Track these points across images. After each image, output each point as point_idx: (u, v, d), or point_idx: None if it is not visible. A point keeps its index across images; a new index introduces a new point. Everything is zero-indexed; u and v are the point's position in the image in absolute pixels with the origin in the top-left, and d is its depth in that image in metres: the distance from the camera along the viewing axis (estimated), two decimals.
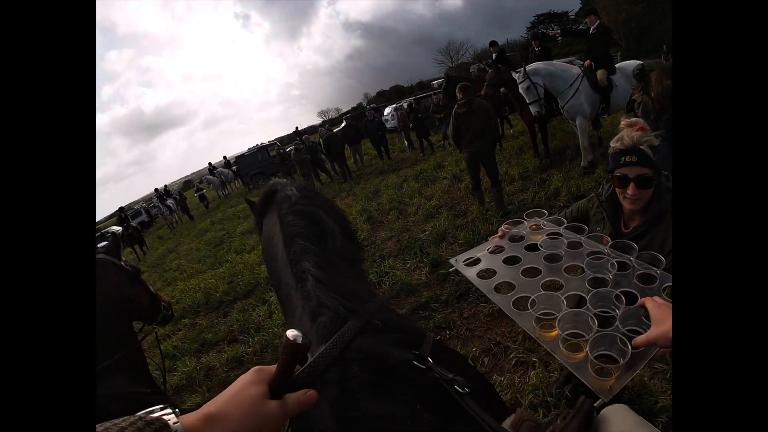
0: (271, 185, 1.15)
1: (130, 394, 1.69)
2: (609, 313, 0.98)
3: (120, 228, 16.91)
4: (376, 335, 0.78)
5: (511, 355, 2.80)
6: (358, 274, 0.99)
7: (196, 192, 16.07)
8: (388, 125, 15.79)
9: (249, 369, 0.58)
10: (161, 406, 0.50)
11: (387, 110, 19.06)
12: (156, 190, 17.40)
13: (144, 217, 21.53)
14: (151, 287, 2.16)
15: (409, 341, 0.81)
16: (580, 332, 0.94)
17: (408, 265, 4.70)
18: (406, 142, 13.18)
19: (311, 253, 0.88)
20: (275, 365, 0.58)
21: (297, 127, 26.14)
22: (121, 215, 15.44)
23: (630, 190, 1.45)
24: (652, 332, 0.81)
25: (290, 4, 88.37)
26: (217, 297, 5.97)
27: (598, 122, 7.10)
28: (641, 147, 1.42)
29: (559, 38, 7.26)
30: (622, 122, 1.52)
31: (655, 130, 1.50)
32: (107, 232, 20.51)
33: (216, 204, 18.57)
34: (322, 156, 12.02)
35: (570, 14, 44.51)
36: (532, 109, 5.85)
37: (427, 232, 5.43)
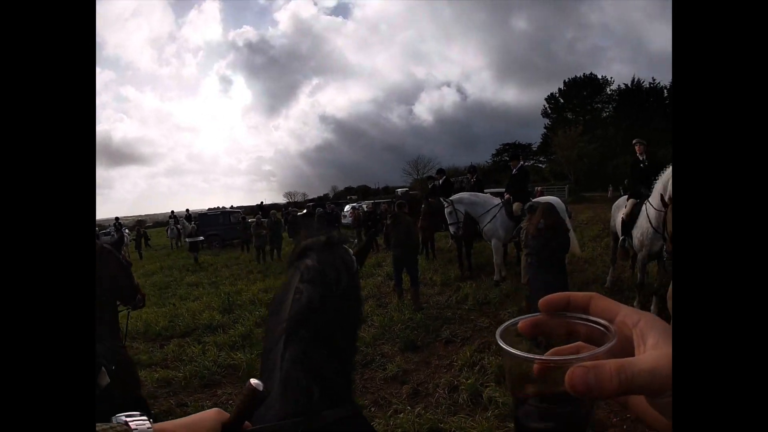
0: (308, 244, 1.11)
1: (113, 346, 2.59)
2: None
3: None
4: None
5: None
6: (344, 361, 1.02)
7: (188, 237, 15.12)
8: (344, 221, 17.99)
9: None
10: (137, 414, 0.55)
11: (347, 207, 21.72)
12: (117, 218, 18.23)
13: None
14: (135, 280, 2.99)
15: None
16: None
17: None
18: (356, 240, 14.71)
19: (307, 339, 0.91)
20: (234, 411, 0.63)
21: (262, 202, 26.77)
22: None
23: None
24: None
25: (275, 84, 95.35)
26: (156, 330, 6.41)
27: (519, 245, 8.28)
28: None
29: (473, 180, 9.05)
30: None
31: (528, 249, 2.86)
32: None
33: (166, 252, 18.80)
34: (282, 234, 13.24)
35: (533, 146, 46.58)
36: (451, 229, 7.34)
37: None
